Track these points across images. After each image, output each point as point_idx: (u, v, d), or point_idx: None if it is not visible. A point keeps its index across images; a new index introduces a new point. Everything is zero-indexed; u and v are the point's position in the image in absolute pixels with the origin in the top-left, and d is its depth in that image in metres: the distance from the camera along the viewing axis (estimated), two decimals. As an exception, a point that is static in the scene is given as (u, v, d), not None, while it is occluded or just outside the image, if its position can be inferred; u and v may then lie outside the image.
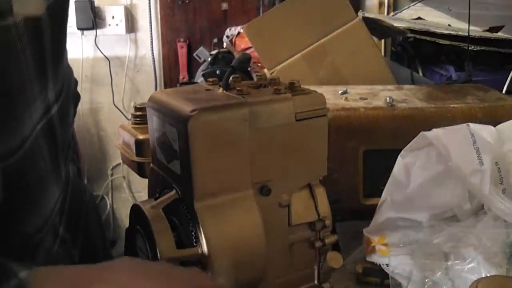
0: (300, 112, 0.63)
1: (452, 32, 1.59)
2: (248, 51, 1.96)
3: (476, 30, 1.67)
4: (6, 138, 0.57)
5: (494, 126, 0.84)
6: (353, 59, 1.32)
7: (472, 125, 0.83)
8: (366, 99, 1.00)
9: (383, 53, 2.11)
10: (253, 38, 1.43)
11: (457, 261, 0.72)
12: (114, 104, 2.70)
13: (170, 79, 2.72)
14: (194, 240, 0.59)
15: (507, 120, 0.86)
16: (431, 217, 0.80)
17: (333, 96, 1.02)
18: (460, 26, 1.75)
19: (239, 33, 2.45)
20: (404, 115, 0.95)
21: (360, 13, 1.72)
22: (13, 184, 0.59)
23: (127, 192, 2.86)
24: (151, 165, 0.70)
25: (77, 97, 0.85)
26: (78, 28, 2.57)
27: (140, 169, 0.85)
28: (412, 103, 0.98)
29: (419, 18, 2.02)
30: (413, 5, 2.19)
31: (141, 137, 0.84)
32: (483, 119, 0.92)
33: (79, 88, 0.86)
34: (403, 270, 0.78)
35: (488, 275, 0.69)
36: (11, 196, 0.59)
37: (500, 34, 1.69)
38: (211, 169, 0.59)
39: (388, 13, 2.36)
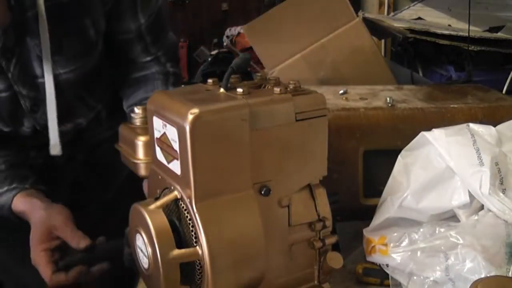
0: (300, 112, 0.63)
1: (452, 32, 1.60)
2: (248, 51, 1.96)
3: (476, 30, 1.67)
4: None
5: (494, 126, 0.84)
6: (353, 59, 1.32)
7: (472, 125, 0.83)
8: (366, 99, 1.00)
9: (383, 53, 2.11)
10: (253, 38, 1.43)
11: (457, 261, 0.72)
12: (114, 104, 2.69)
13: (170, 79, 2.71)
14: (194, 240, 0.60)
15: (507, 120, 0.86)
16: (431, 217, 0.80)
17: (333, 96, 1.02)
18: (460, 26, 1.76)
19: (239, 33, 2.45)
20: (404, 115, 0.95)
21: (360, 13, 1.72)
22: None
23: (127, 192, 2.85)
24: (151, 165, 0.70)
25: None
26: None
27: (140, 169, 0.85)
28: (412, 103, 0.98)
29: (419, 18, 2.02)
30: (413, 5, 2.19)
31: (141, 137, 0.84)
32: (483, 119, 0.93)
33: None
34: (403, 270, 0.78)
35: (488, 275, 0.69)
36: None
37: (500, 34, 1.70)
38: (211, 169, 0.59)
39: (388, 13, 2.37)
